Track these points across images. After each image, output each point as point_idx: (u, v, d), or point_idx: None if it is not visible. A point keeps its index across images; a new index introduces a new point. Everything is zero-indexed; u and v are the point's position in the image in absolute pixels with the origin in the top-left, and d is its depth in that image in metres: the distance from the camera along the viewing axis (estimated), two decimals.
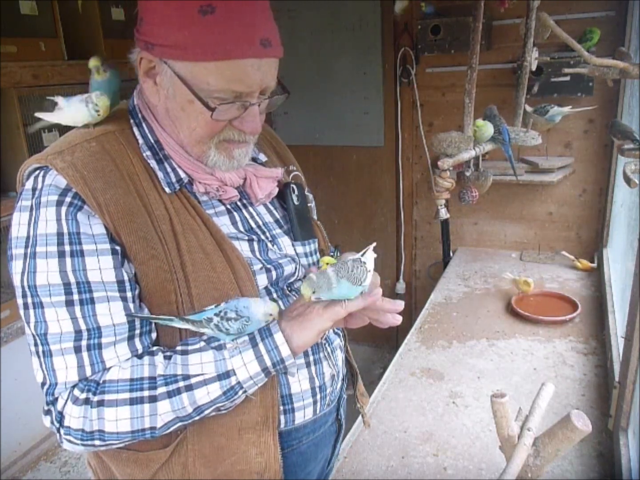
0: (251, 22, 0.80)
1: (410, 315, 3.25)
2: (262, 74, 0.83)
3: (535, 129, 2.01)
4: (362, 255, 0.86)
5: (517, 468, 0.86)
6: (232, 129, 0.88)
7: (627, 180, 1.33)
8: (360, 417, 1.31)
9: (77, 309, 0.79)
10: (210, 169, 0.91)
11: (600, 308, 2.20)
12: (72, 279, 0.79)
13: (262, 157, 1.05)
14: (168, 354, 0.83)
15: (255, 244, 0.95)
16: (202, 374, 0.80)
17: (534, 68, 2.04)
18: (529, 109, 1.99)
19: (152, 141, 0.90)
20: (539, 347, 1.94)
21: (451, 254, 2.99)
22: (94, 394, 0.79)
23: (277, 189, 1.01)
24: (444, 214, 2.02)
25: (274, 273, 0.95)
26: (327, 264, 1.00)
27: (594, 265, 2.56)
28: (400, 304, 0.87)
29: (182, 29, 0.78)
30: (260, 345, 0.82)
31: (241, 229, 0.95)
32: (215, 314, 0.80)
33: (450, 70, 2.84)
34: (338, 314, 0.82)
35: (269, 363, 0.81)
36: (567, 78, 2.49)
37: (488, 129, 1.86)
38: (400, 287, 3.37)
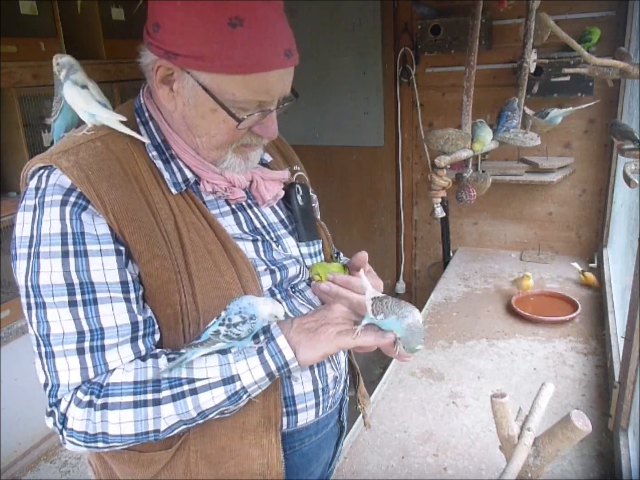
0: (277, 34, 0.80)
1: None
2: (284, 82, 0.84)
3: (535, 131, 2.01)
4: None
5: (517, 468, 0.86)
6: (251, 134, 0.89)
7: (627, 180, 1.33)
8: (360, 417, 1.31)
9: (80, 309, 0.79)
10: (220, 169, 0.91)
11: (600, 308, 2.20)
12: (75, 280, 0.79)
13: (267, 157, 1.05)
14: (172, 356, 0.83)
15: (260, 245, 0.95)
16: (207, 378, 0.80)
17: (532, 70, 2.04)
18: (529, 112, 1.99)
19: (159, 141, 0.90)
20: (539, 347, 1.94)
21: (451, 254, 2.99)
22: (98, 396, 0.79)
23: (283, 191, 1.02)
24: (439, 212, 2.02)
25: (278, 274, 0.95)
26: (318, 273, 1.00)
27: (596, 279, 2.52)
28: (409, 355, 0.87)
29: (211, 42, 0.77)
30: (265, 351, 0.81)
31: (245, 229, 0.95)
32: (220, 324, 0.79)
33: (450, 70, 2.84)
34: (347, 344, 0.83)
35: (273, 367, 0.81)
36: (567, 78, 2.49)
37: (487, 142, 1.85)
38: (400, 287, 3.37)
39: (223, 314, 0.81)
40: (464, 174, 2.04)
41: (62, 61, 0.90)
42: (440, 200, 1.99)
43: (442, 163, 1.81)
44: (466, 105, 1.83)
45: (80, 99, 0.87)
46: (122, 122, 0.87)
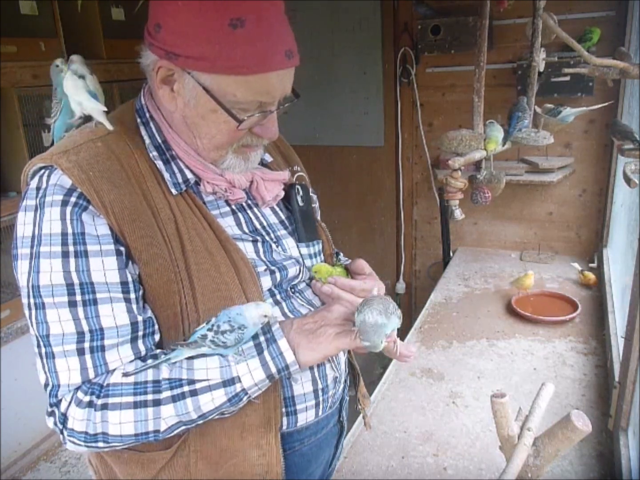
0: (278, 34, 0.80)
1: (410, 315, 3.25)
2: (284, 83, 0.85)
3: (546, 130, 2.01)
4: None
5: (517, 468, 0.86)
6: (251, 135, 0.89)
7: (627, 180, 1.33)
8: (360, 417, 1.31)
9: (80, 310, 0.79)
10: (220, 170, 0.91)
11: (600, 308, 2.20)
12: (75, 280, 0.79)
13: (268, 158, 1.05)
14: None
15: (260, 245, 0.95)
16: (207, 380, 0.80)
17: (541, 69, 2.04)
18: (539, 110, 1.98)
19: (160, 141, 0.90)
20: (539, 347, 1.94)
21: (451, 254, 2.99)
22: (98, 397, 0.79)
23: (283, 192, 1.02)
24: (458, 214, 2.00)
25: (278, 275, 0.95)
26: (316, 272, 1.00)
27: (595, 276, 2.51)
28: (412, 350, 0.87)
29: (212, 43, 0.77)
30: (265, 353, 0.82)
31: (246, 230, 0.95)
32: (209, 329, 0.80)
33: (450, 70, 2.84)
34: (346, 345, 0.83)
35: (274, 370, 0.82)
36: (567, 78, 2.49)
37: (499, 141, 1.85)
38: (400, 287, 3.37)
39: (213, 319, 0.81)
40: (478, 175, 2.03)
41: (72, 57, 0.91)
42: (457, 202, 1.98)
43: (456, 165, 1.80)
44: (477, 106, 1.83)
45: (72, 87, 0.88)
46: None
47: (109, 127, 0.86)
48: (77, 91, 0.87)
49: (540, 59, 1.97)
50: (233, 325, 0.79)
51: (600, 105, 2.00)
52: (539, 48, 1.93)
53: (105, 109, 0.87)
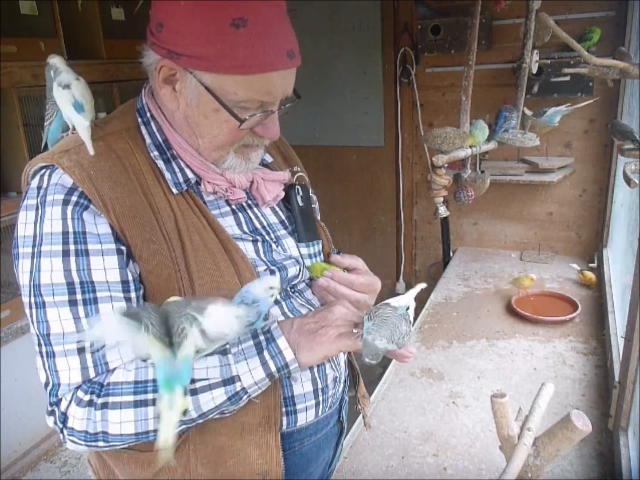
0: (280, 35, 0.80)
1: None
2: (286, 83, 0.85)
3: (534, 132, 2.01)
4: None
5: (517, 468, 0.86)
6: (253, 135, 0.89)
7: (627, 180, 1.33)
8: (360, 417, 1.31)
9: (81, 308, 0.79)
10: (221, 170, 0.91)
11: (600, 308, 2.20)
12: (76, 279, 0.79)
13: (268, 158, 1.05)
14: None
15: (260, 245, 0.95)
16: (207, 379, 0.80)
17: (534, 70, 2.04)
18: (528, 112, 1.99)
19: (160, 140, 0.90)
20: (539, 347, 1.94)
21: (451, 254, 2.99)
22: (98, 396, 0.79)
23: (283, 192, 1.02)
24: (443, 211, 2.02)
25: (277, 275, 0.95)
26: (312, 271, 1.00)
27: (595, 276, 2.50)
28: (412, 351, 0.88)
29: (214, 42, 0.77)
30: (265, 351, 0.82)
31: (246, 229, 0.95)
32: None
33: (450, 70, 2.84)
34: (347, 347, 0.83)
35: (273, 368, 0.82)
36: (567, 78, 2.49)
37: (479, 137, 1.86)
38: (400, 287, 3.37)
39: None
40: (463, 174, 2.04)
41: (50, 62, 0.90)
42: (442, 199, 2.00)
43: (439, 162, 1.81)
44: (464, 104, 1.84)
45: (59, 100, 0.87)
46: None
47: (89, 146, 0.83)
48: (64, 106, 0.87)
49: (532, 61, 1.97)
50: (247, 303, 0.79)
51: (584, 103, 2.00)
52: (531, 49, 1.93)
53: (88, 124, 0.85)
